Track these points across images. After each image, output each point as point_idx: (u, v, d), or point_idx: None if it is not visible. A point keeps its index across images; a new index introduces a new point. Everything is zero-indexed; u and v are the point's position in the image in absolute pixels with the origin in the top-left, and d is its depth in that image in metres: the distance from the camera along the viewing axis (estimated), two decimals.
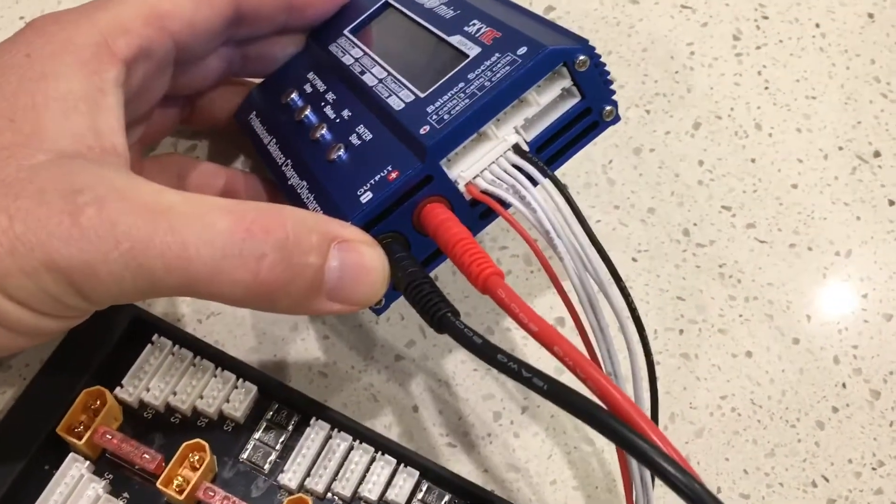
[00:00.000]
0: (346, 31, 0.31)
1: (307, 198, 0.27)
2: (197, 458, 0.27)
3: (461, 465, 0.30)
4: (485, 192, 0.25)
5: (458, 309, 0.23)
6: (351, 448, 0.28)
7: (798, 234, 0.35)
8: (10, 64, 0.24)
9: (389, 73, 0.28)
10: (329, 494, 0.28)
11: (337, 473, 0.28)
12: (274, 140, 0.30)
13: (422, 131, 0.25)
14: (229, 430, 0.28)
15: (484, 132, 0.25)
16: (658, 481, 0.19)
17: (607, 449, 0.30)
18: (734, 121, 0.37)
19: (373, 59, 0.29)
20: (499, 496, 0.28)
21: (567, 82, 0.25)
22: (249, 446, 0.28)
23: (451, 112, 0.25)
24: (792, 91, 0.38)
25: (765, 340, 0.32)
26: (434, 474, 0.28)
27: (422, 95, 0.26)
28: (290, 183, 0.28)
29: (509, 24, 0.26)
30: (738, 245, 0.34)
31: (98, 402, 0.27)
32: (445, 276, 0.33)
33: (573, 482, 0.30)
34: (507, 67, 0.25)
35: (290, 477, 0.27)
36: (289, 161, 0.28)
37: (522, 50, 0.25)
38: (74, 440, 0.27)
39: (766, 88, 0.38)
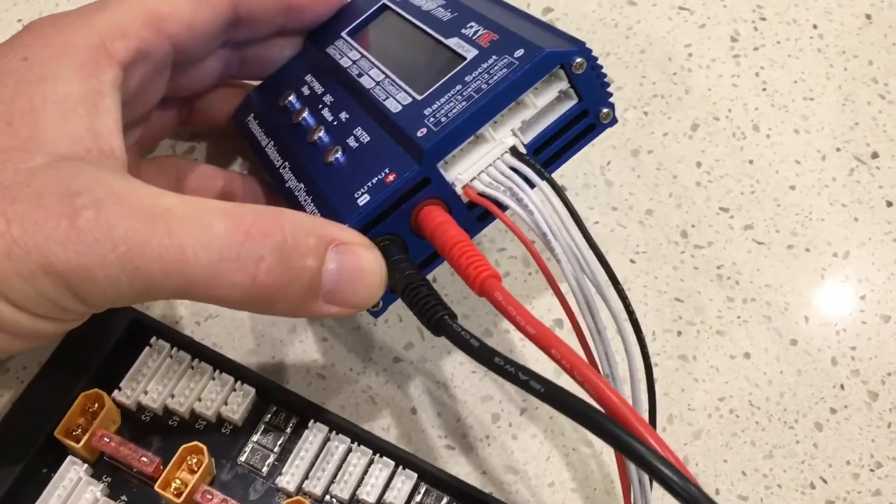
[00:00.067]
0: (343, 34, 0.31)
1: (304, 200, 0.27)
2: (195, 460, 0.27)
3: (459, 467, 0.30)
4: (482, 195, 0.25)
5: (456, 311, 0.23)
6: (349, 450, 0.28)
7: (796, 235, 0.35)
8: (8, 67, 0.25)
9: (387, 76, 0.28)
10: (327, 497, 0.28)
11: (335, 476, 0.28)
12: (272, 142, 0.30)
13: (419, 134, 0.25)
14: (227, 432, 0.29)
15: (481, 134, 0.25)
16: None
17: (606, 451, 0.30)
18: (732, 122, 0.37)
19: (370, 61, 0.29)
20: (497, 498, 0.28)
21: (564, 85, 0.25)
22: (248, 449, 0.28)
23: (449, 114, 0.25)
24: (790, 92, 0.38)
25: (763, 342, 0.32)
26: (432, 476, 0.28)
27: (419, 98, 0.26)
28: (287, 185, 0.28)
29: (506, 26, 0.26)
30: (735, 246, 0.34)
31: (96, 405, 0.27)
32: (444, 278, 0.33)
33: (571, 484, 0.30)
34: (505, 70, 0.25)
35: (288, 479, 0.27)
36: (286, 163, 0.28)
37: (519, 52, 0.25)
38: (72, 443, 0.27)
39: (764, 90, 0.38)
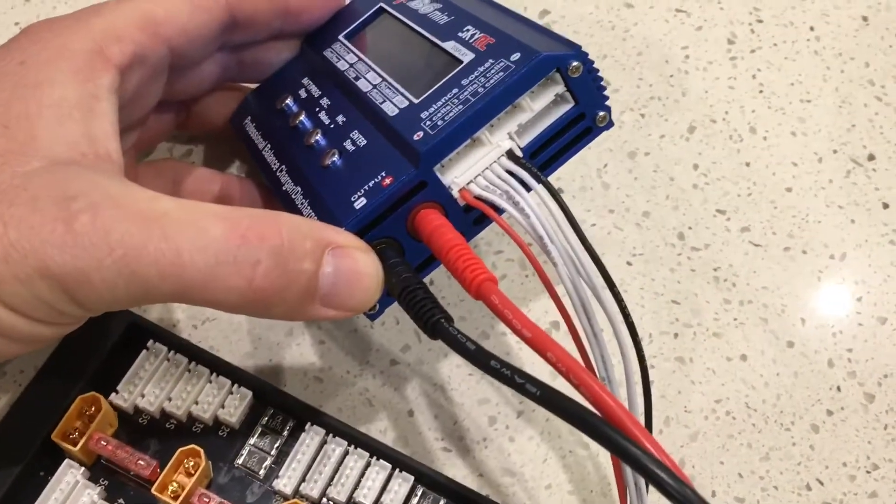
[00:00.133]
0: (340, 37, 0.31)
1: (301, 203, 0.27)
2: (192, 463, 0.27)
3: (456, 470, 0.30)
4: (478, 198, 0.25)
5: (452, 313, 0.23)
6: (346, 453, 0.28)
7: (792, 237, 0.35)
8: (5, 71, 0.25)
9: (384, 79, 0.28)
10: (324, 500, 0.28)
11: (332, 479, 0.28)
12: (269, 145, 0.30)
13: (415, 137, 0.25)
14: (224, 435, 0.29)
15: (478, 138, 0.25)
16: None
17: (602, 453, 0.30)
18: (729, 124, 0.37)
19: (367, 64, 0.29)
20: (494, 501, 0.28)
21: (560, 88, 0.25)
22: (244, 452, 0.28)
23: (445, 118, 0.25)
24: (786, 94, 0.38)
25: (759, 344, 0.32)
26: (429, 479, 0.28)
27: (416, 101, 0.26)
28: (284, 188, 0.28)
29: (503, 29, 0.26)
30: (732, 249, 0.34)
31: (93, 409, 0.27)
32: (441, 280, 0.33)
33: (568, 486, 0.30)
34: (501, 73, 0.25)
35: (285, 482, 0.27)
36: (283, 166, 0.28)
37: (516, 56, 0.25)
38: (69, 446, 0.27)
39: (761, 92, 0.38)
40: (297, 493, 0.28)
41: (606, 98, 0.26)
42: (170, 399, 0.28)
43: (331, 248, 0.23)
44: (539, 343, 0.21)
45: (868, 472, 0.30)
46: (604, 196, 0.35)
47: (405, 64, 0.28)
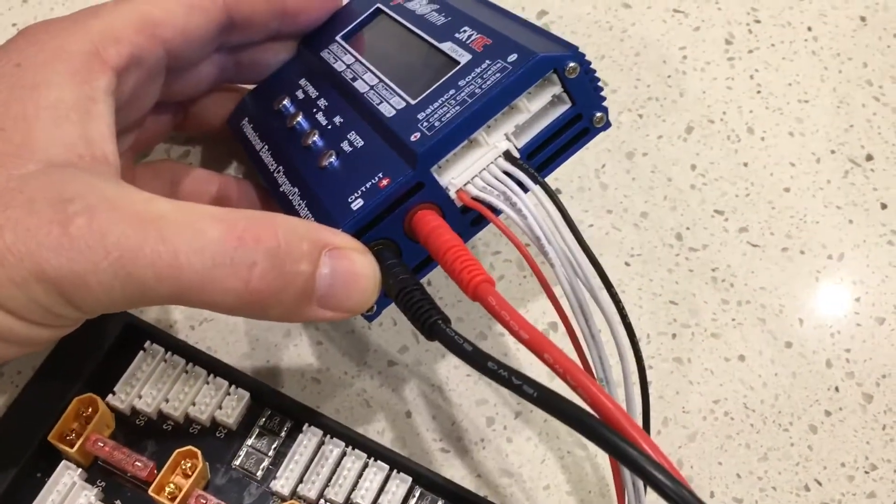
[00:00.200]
0: (338, 38, 0.31)
1: (299, 204, 0.27)
2: (189, 465, 0.27)
3: (454, 471, 0.30)
4: (476, 199, 0.25)
5: (450, 314, 0.23)
6: (344, 454, 0.28)
7: (790, 237, 0.35)
8: (1, 73, 0.25)
9: (381, 80, 0.28)
10: (322, 501, 0.28)
11: (330, 480, 0.28)
12: (266, 146, 0.30)
13: (413, 138, 0.25)
14: (222, 436, 0.29)
15: (475, 139, 0.25)
16: None
17: (600, 454, 0.30)
18: (726, 125, 0.37)
19: (364, 65, 0.29)
20: (492, 501, 0.28)
21: (557, 89, 0.25)
22: (242, 453, 0.28)
23: (442, 119, 0.25)
24: (784, 95, 0.38)
25: (757, 344, 0.32)
26: (427, 480, 0.28)
27: (413, 102, 0.26)
28: (281, 189, 0.28)
29: (500, 30, 0.26)
30: (730, 249, 0.34)
31: (90, 410, 0.27)
32: (438, 281, 0.33)
33: (566, 487, 0.30)
34: (498, 74, 0.25)
35: (282, 483, 0.27)
36: (280, 167, 0.28)
37: (513, 57, 0.25)
38: (66, 448, 0.27)
39: (759, 92, 0.38)
40: (294, 494, 0.27)
41: (604, 99, 0.26)
42: (167, 400, 0.28)
43: (327, 250, 0.23)
44: (536, 344, 0.21)
45: (866, 472, 0.30)
46: (601, 197, 0.35)
47: (402, 65, 0.28)
